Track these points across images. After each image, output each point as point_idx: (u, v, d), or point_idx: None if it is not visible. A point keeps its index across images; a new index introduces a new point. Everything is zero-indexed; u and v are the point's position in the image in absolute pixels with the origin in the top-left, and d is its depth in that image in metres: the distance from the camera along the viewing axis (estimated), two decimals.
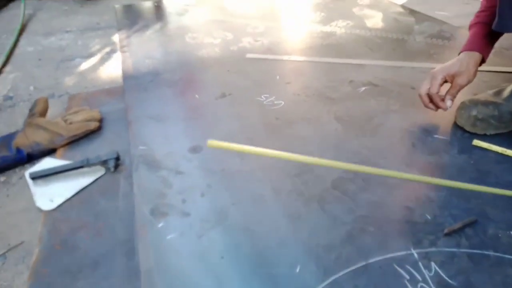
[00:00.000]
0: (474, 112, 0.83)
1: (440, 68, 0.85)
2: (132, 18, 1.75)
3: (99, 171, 0.84)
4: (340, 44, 1.36)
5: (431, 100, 0.86)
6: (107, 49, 1.46)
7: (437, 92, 0.84)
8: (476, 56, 0.84)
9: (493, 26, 0.81)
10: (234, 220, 0.68)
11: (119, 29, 1.63)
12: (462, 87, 0.83)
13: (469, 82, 0.83)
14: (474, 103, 0.85)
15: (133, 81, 1.19)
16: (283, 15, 1.70)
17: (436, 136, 0.86)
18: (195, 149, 0.88)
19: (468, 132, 0.85)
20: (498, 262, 0.59)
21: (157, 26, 1.65)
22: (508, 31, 0.80)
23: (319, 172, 0.78)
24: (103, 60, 1.39)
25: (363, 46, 1.33)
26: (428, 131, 0.88)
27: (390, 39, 1.37)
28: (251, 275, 0.59)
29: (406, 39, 1.36)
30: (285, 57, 1.28)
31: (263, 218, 0.69)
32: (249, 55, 1.31)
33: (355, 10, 1.67)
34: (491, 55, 0.89)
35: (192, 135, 0.93)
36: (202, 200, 0.74)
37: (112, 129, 0.98)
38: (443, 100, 0.85)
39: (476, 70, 0.85)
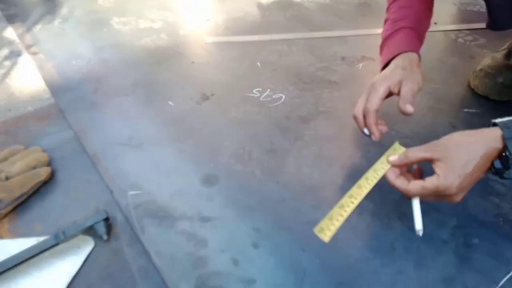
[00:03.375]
0: (500, 80, 0.78)
1: (380, 77, 0.61)
2: (19, 3, 1.31)
3: (86, 245, 0.56)
4: (305, 16, 1.20)
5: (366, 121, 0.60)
6: (4, 52, 1.02)
7: (377, 109, 0.58)
8: (415, 57, 0.64)
9: (488, 26, 0.74)
10: (314, 272, 0.51)
11: (9, 21, 1.19)
12: (414, 92, 0.59)
13: (419, 86, 0.61)
14: (497, 69, 0.80)
15: (68, 94, 0.86)
16: None
17: (466, 110, 0.79)
18: (208, 180, 0.66)
19: (493, 100, 0.80)
20: None
21: (63, 10, 1.26)
22: (502, 29, 0.73)
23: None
24: (4, 68, 0.96)
25: (330, 15, 1.20)
26: (455, 106, 0.80)
27: (353, 4, 1.26)
28: None
29: (368, 2, 1.27)
30: (253, 37, 1.07)
31: (362, 251, 0.53)
32: (209, 39, 1.07)
33: None
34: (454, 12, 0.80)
35: (195, 160, 0.69)
36: (260, 253, 0.54)
37: (68, 172, 0.67)
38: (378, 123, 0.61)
39: (421, 72, 0.63)
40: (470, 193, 0.61)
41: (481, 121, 0.76)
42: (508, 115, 0.77)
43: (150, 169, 0.67)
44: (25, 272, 0.52)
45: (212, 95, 0.86)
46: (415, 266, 0.52)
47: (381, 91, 0.59)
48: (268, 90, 0.87)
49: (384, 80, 0.59)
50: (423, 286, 0.49)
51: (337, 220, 0.48)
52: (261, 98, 0.85)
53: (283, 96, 0.85)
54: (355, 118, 0.61)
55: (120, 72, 0.93)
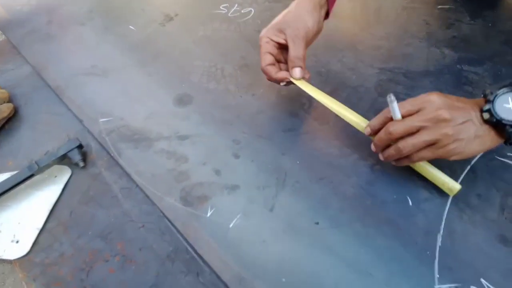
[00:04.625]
0: None
1: (265, 29, 0.55)
2: None
3: (63, 173, 0.54)
4: None
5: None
6: None
7: (267, 64, 0.54)
8: None
9: None
10: (295, 172, 0.52)
11: None
12: (307, 42, 0.54)
13: (313, 33, 0.54)
14: None
15: (19, 29, 0.79)
16: None
17: (440, 7, 0.77)
18: (182, 100, 0.63)
19: None
20: None
21: None
22: None
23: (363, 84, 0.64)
24: None
25: None
26: (429, 3, 0.77)
27: None
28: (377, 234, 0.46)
29: None
30: None
31: (324, 146, 0.54)
32: None
33: None
34: None
35: (165, 82, 0.66)
36: (241, 162, 0.54)
37: (33, 107, 0.64)
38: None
39: (318, 14, 0.54)
40: (443, 87, 0.62)
41: (455, 17, 0.75)
42: (481, 9, 0.76)
43: (118, 95, 0.64)
44: (4, 206, 0.51)
45: (176, 15, 0.80)
46: None
47: (264, 47, 0.54)
48: (236, 5, 0.82)
49: (265, 33, 0.54)
50: (401, 173, 0.51)
51: None
52: (229, 14, 0.80)
53: (252, 10, 0.80)
54: (264, 71, 0.56)
55: (72, 1, 0.85)
